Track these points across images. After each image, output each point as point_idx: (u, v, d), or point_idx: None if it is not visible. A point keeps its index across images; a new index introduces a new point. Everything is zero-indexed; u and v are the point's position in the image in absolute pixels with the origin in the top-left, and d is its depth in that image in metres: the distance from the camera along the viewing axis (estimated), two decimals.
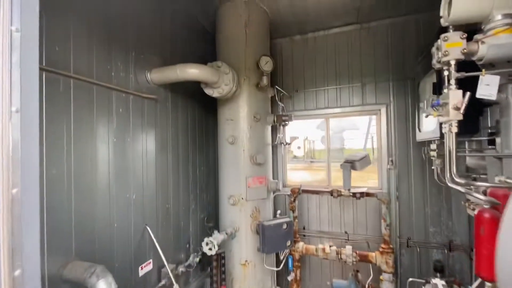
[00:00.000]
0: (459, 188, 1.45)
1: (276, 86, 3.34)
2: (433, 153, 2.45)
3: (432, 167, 3.15)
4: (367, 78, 3.60)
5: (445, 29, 1.74)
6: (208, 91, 2.75)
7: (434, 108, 1.66)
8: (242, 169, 3.13)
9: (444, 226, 3.29)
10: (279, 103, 3.45)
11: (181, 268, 2.87)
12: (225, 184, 3.25)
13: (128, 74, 2.33)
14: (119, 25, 2.24)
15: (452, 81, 1.50)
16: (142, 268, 2.44)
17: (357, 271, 3.09)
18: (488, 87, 1.43)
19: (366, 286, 3.01)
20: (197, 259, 3.12)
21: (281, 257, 3.35)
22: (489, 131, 2.15)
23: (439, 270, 3.05)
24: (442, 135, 2.17)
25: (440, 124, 2.16)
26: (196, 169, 3.36)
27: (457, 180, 1.44)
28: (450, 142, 1.53)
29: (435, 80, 2.17)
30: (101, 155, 2.05)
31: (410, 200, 3.40)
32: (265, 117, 3.28)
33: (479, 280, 1.58)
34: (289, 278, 3.43)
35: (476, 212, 1.41)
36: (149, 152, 2.57)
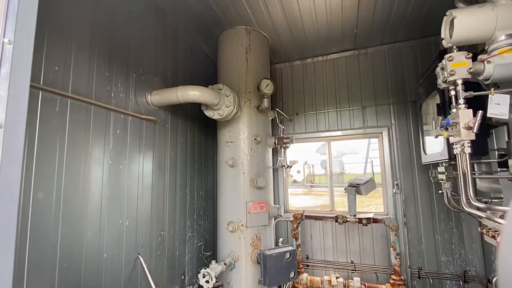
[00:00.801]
0: (478, 213, 1.34)
1: (277, 109, 3.33)
2: (441, 176, 2.36)
3: (440, 191, 3.05)
4: (367, 101, 3.62)
5: (445, 51, 1.75)
6: (208, 113, 2.71)
7: (443, 128, 1.60)
8: (242, 193, 2.99)
9: (456, 255, 3.09)
10: (279, 125, 3.41)
11: None
12: (224, 209, 3.10)
13: (128, 95, 2.30)
14: (121, 46, 2.26)
15: (461, 100, 1.46)
16: None
17: None
18: (498, 106, 1.38)
19: None
20: None
21: None
22: (500, 152, 2.08)
23: None
24: (450, 157, 2.11)
25: (449, 145, 2.10)
26: (194, 194, 3.22)
27: (476, 204, 1.34)
28: (464, 163, 1.45)
29: (438, 101, 2.15)
30: (95, 177, 1.94)
31: (419, 227, 3.23)
32: (266, 139, 3.22)
33: None
34: None
35: (498, 239, 1.29)
36: (145, 175, 2.46)
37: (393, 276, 2.81)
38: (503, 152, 2.09)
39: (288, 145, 3.28)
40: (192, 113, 3.23)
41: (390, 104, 3.51)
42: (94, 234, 1.91)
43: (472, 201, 1.36)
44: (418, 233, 3.23)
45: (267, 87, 2.94)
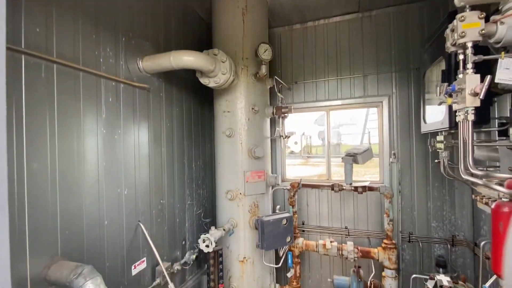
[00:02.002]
0: (475, 180, 1.34)
1: (275, 77, 3.20)
2: (439, 145, 2.35)
3: (436, 160, 3.08)
4: (369, 68, 3.48)
5: (455, 12, 1.62)
6: (204, 81, 2.60)
7: (447, 95, 1.55)
8: (240, 163, 3.00)
9: (446, 221, 3.22)
10: (278, 94, 3.32)
11: (176, 266, 2.75)
12: (222, 178, 3.13)
13: (118, 61, 2.17)
14: (108, 6, 2.08)
15: (469, 65, 1.38)
16: (135, 267, 2.32)
17: (359, 267, 3.01)
18: (507, 71, 1.31)
19: (368, 283, 2.93)
20: (194, 257, 3.01)
21: (281, 254, 3.25)
22: (501, 121, 2.05)
23: (442, 265, 2.98)
24: (451, 125, 2.08)
25: (450, 113, 2.06)
26: (192, 164, 3.23)
27: (475, 171, 1.34)
28: (466, 131, 1.42)
29: (444, 68, 2.06)
30: (89, 147, 1.90)
31: (412, 195, 3.32)
32: (264, 109, 3.15)
33: (494, 277, 1.49)
34: (289, 274, 3.34)
35: (493, 206, 1.31)
36: (141, 145, 2.43)
37: (385, 241, 2.95)
38: (504, 121, 2.07)
39: (286, 115, 3.22)
40: (187, 81, 3.11)
41: (392, 72, 3.39)
42: (93, 202, 1.92)
43: (470, 169, 1.36)
44: (411, 201, 3.32)
45: (265, 52, 2.79)
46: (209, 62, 2.40)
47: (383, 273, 2.95)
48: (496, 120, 2.14)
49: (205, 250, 2.46)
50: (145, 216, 2.45)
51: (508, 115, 2.17)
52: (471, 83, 1.36)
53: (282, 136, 3.30)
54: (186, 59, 2.31)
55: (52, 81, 1.65)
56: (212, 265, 2.57)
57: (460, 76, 1.47)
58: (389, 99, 3.39)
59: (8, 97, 1.45)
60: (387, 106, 3.40)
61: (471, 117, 1.40)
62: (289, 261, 3.26)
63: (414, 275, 2.85)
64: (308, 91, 3.75)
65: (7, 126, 1.37)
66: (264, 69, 2.83)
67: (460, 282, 2.55)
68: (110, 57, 2.09)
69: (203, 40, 3.38)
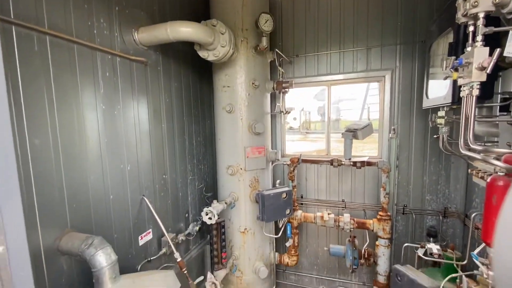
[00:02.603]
0: (474, 155, 1.37)
1: (276, 50, 3.10)
2: (440, 121, 2.36)
3: (435, 136, 3.11)
4: (373, 41, 3.36)
5: None
6: (202, 54, 2.52)
7: (453, 69, 1.52)
8: (240, 139, 3.02)
9: (440, 194, 3.33)
10: (279, 68, 3.23)
11: (181, 237, 2.88)
12: (223, 154, 3.16)
13: (113, 33, 2.08)
14: None
15: (479, 37, 1.34)
16: (141, 238, 2.43)
17: (354, 237, 3.16)
18: None
19: (363, 251, 3.10)
20: (197, 228, 3.14)
21: (280, 225, 3.39)
22: (504, 96, 2.04)
23: (433, 235, 3.14)
24: (454, 101, 2.07)
25: (454, 88, 2.04)
26: (192, 140, 3.24)
27: (474, 146, 1.36)
28: (469, 106, 1.42)
29: (451, 40, 2.00)
30: (89, 123, 1.89)
31: (409, 169, 3.39)
32: (264, 83, 3.09)
33: (483, 245, 1.58)
34: (287, 244, 3.51)
35: (489, 180, 1.35)
36: (141, 121, 2.42)
37: (380, 213, 3.07)
38: (507, 96, 2.05)
39: (287, 90, 3.17)
40: (185, 55, 3.01)
41: (397, 45, 3.28)
42: (98, 178, 1.96)
43: (470, 144, 1.38)
44: (407, 175, 3.40)
45: (266, 23, 2.67)
46: (208, 33, 2.31)
47: (377, 242, 3.11)
48: (499, 95, 2.13)
49: (208, 222, 2.56)
50: (148, 191, 2.51)
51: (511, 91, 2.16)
52: (479, 56, 1.32)
53: (282, 111, 3.27)
54: (184, 30, 2.21)
55: (46, 54, 1.60)
56: (215, 236, 2.69)
57: (469, 49, 1.43)
58: (392, 74, 3.32)
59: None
60: (389, 80, 3.34)
61: (475, 92, 1.39)
62: (288, 231, 3.41)
63: (406, 244, 3.01)
64: (309, 65, 3.65)
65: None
66: (264, 42, 2.73)
67: (449, 250, 2.71)
68: (104, 29, 2.00)
69: (199, 11, 3.21)
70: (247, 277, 3.24)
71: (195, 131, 3.30)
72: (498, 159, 1.45)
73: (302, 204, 3.90)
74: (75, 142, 1.78)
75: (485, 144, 2.31)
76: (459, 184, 3.16)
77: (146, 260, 2.47)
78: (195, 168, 3.31)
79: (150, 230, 2.54)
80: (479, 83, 1.38)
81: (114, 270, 1.68)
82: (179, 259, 2.40)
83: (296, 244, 3.50)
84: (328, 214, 3.26)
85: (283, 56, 3.25)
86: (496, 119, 1.74)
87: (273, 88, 3.11)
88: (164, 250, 2.61)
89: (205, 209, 2.56)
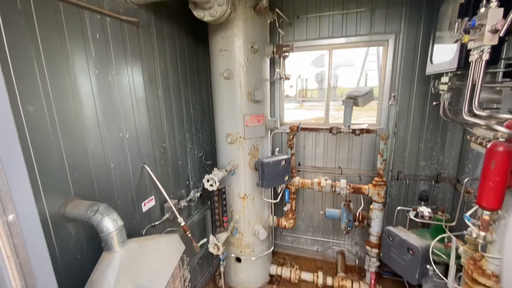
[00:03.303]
0: (478, 121, 1.37)
1: (277, 10, 2.89)
2: (443, 87, 2.32)
3: (434, 103, 3.09)
4: (378, 1, 3.16)
5: None
6: (198, 13, 2.34)
7: (464, 31, 1.45)
8: (239, 107, 2.96)
9: (434, 161, 3.42)
10: (279, 30, 3.06)
11: (183, 203, 2.97)
12: (221, 122, 3.12)
13: None
14: None
15: None
16: (145, 204, 2.49)
17: (349, 201, 3.30)
18: None
19: (357, 214, 3.26)
20: (198, 194, 3.23)
21: (278, 191, 3.50)
22: (509, 62, 1.99)
23: (424, 199, 3.30)
24: (459, 66, 2.01)
25: (461, 53, 1.97)
26: (189, 107, 3.17)
27: (479, 113, 1.35)
28: (478, 71, 1.38)
29: (463, 1, 1.88)
30: (84, 89, 1.81)
31: (406, 136, 3.43)
32: (264, 47, 2.95)
33: (475, 207, 1.66)
34: (285, 208, 3.66)
35: (489, 145, 1.37)
36: (137, 88, 2.33)
37: (376, 178, 3.17)
38: None
39: (287, 54, 3.04)
40: (178, 16, 2.80)
41: (403, 6, 3.09)
42: (97, 145, 1.93)
43: (475, 110, 1.37)
44: (404, 142, 3.46)
45: None
46: None
47: (371, 206, 3.26)
48: (503, 61, 2.07)
49: (210, 188, 2.62)
50: (149, 159, 2.52)
51: None
52: (493, 18, 1.26)
53: (282, 77, 3.18)
54: None
55: (30, 13, 1.46)
56: (216, 202, 2.78)
57: (482, 10, 1.35)
58: (395, 37, 3.19)
59: None
60: (393, 45, 3.21)
61: (485, 56, 1.34)
62: (286, 197, 3.54)
63: (398, 207, 3.17)
64: (310, 27, 3.46)
65: None
66: (264, 0, 2.54)
67: (439, 213, 2.86)
68: None
69: None
70: (247, 238, 3.42)
71: (192, 98, 3.21)
72: (500, 125, 1.45)
73: (299, 171, 3.99)
74: (70, 108, 1.72)
75: (484, 110, 2.31)
76: (453, 150, 3.23)
77: (151, 225, 2.56)
78: (194, 136, 3.29)
79: (153, 197, 2.59)
80: (490, 47, 1.32)
81: (122, 235, 1.74)
82: (182, 223, 2.50)
83: (293, 208, 3.65)
84: (326, 180, 3.35)
85: (284, 16, 3.05)
86: (501, 85, 1.71)
87: (273, 52, 2.98)
88: (167, 215, 2.70)
89: (207, 176, 2.60)
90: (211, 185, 2.59)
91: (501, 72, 2.09)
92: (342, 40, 3.38)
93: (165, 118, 2.73)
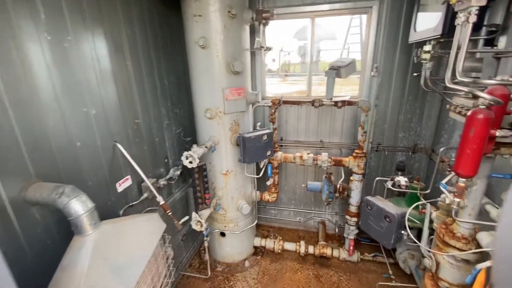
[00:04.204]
0: (461, 88, 1.34)
1: None
2: (426, 55, 2.28)
3: (415, 74, 3.08)
4: None
5: None
6: None
7: None
8: (217, 79, 2.78)
9: (412, 132, 3.49)
10: None
11: (162, 182, 2.86)
12: (199, 96, 2.95)
13: None
14: None
15: None
16: (120, 185, 2.36)
17: (330, 173, 3.34)
18: None
19: (338, 185, 3.33)
20: (178, 172, 3.12)
21: (261, 166, 3.47)
22: (490, 29, 1.95)
23: (401, 169, 3.41)
24: (444, 32, 1.96)
25: (446, 18, 1.91)
26: (163, 80, 2.94)
27: (462, 78, 1.32)
28: (464, 35, 1.32)
29: None
30: (35, 57, 1.58)
31: (387, 108, 3.45)
32: (242, 13, 2.72)
33: (452, 174, 1.70)
34: (268, 183, 3.67)
35: (469, 113, 1.36)
36: (101, 58, 2.08)
37: (356, 150, 3.20)
38: (494, 29, 1.97)
39: (268, 21, 2.83)
40: None
41: None
42: (57, 122, 1.74)
43: (459, 76, 1.34)
44: (385, 114, 3.48)
45: None
46: None
47: (351, 178, 3.33)
48: (484, 28, 2.04)
49: (189, 166, 2.51)
50: (121, 136, 2.34)
51: (499, 23, 2.07)
52: None
53: (263, 47, 2.99)
54: None
55: None
56: (197, 179, 2.70)
57: None
58: (380, 4, 3.05)
59: None
60: (376, 12, 3.09)
61: (472, 18, 1.28)
62: (269, 171, 3.52)
63: (377, 178, 3.26)
64: None
65: None
66: None
67: (415, 182, 2.98)
68: None
69: None
70: (230, 214, 3.42)
71: (166, 70, 2.97)
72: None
73: (282, 146, 3.96)
74: (19, 80, 1.50)
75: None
76: (430, 121, 3.30)
77: (128, 205, 2.46)
78: (170, 112, 3.10)
79: (129, 176, 2.46)
80: (478, 8, 1.25)
81: (93, 217, 1.63)
82: (161, 202, 2.41)
83: (276, 183, 3.67)
84: (308, 154, 3.35)
85: None
86: (485, 50, 1.68)
87: (252, 18, 2.76)
88: (145, 195, 2.60)
89: (185, 153, 2.49)
90: (191, 162, 2.49)
91: (481, 40, 2.07)
92: (326, 6, 3.20)
93: (136, 92, 2.51)
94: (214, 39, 2.62)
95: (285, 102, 3.30)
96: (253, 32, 3.28)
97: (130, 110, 2.45)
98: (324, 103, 3.05)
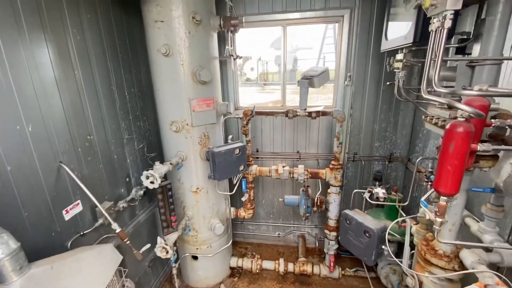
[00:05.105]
0: (438, 99, 1.24)
1: None
2: (398, 64, 2.22)
3: (388, 83, 3.06)
4: None
5: None
6: None
7: None
8: (183, 89, 2.56)
9: (388, 141, 3.46)
10: (226, 0, 2.66)
11: (122, 204, 2.55)
12: (164, 108, 2.70)
13: None
14: None
15: None
16: (67, 212, 2.03)
17: (308, 186, 3.20)
18: None
19: (315, 199, 3.18)
20: (141, 192, 2.82)
21: (234, 181, 3.25)
22: (462, 37, 1.92)
23: (378, 179, 3.34)
24: (415, 40, 1.89)
25: (417, 26, 1.85)
26: (123, 91, 2.67)
27: (439, 89, 1.21)
28: (439, 42, 1.23)
29: None
30: None
31: (361, 118, 3.39)
32: (209, 19, 2.54)
33: (432, 191, 1.59)
34: (243, 199, 3.45)
35: (448, 126, 1.25)
36: (40, 66, 1.80)
37: (333, 162, 3.09)
38: (465, 36, 1.94)
39: (237, 28, 2.68)
40: None
41: None
42: None
43: (435, 87, 1.23)
44: (360, 124, 3.42)
45: None
46: None
47: (329, 190, 3.20)
48: (455, 36, 2.02)
49: (150, 186, 2.24)
50: (68, 155, 2.03)
51: (469, 30, 2.05)
52: None
53: (232, 55, 2.82)
54: None
55: None
56: (160, 200, 2.42)
57: None
58: (351, 13, 3.02)
59: None
60: (348, 21, 3.05)
61: (448, 23, 1.18)
62: (243, 187, 3.31)
63: (355, 190, 3.15)
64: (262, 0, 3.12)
65: None
66: None
67: (393, 193, 2.90)
68: None
69: None
70: (203, 234, 3.15)
71: (127, 80, 2.71)
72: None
73: (257, 158, 3.78)
74: None
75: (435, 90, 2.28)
76: (405, 130, 3.28)
77: (79, 234, 2.13)
78: (132, 125, 2.82)
79: (79, 201, 2.14)
80: (453, 12, 1.16)
81: (18, 260, 1.33)
82: (118, 230, 2.11)
83: (252, 198, 3.45)
84: (283, 167, 3.18)
85: None
86: (461, 58, 1.61)
87: (220, 25, 2.60)
88: (100, 220, 2.28)
89: (145, 173, 2.21)
90: (152, 182, 2.22)
91: (452, 48, 2.04)
92: (297, 15, 3.12)
93: (88, 105, 2.22)
94: (178, 47, 2.41)
95: (258, 113, 3.13)
96: (224, 40, 3.12)
97: (81, 125, 2.15)
98: (298, 114, 2.92)
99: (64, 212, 2.01)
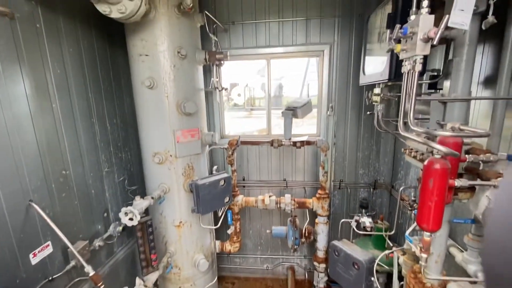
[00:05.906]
0: (414, 137, 1.28)
1: (206, 12, 2.59)
2: (376, 98, 2.32)
3: (368, 112, 3.18)
4: (312, 11, 3.14)
5: None
6: (102, 8, 1.87)
7: (396, 41, 1.36)
8: (167, 120, 2.53)
9: (371, 168, 3.52)
10: (211, 36, 2.76)
11: (98, 243, 2.38)
12: (147, 139, 2.64)
13: None
14: None
15: (425, 3, 1.17)
16: (35, 255, 1.86)
17: (295, 216, 3.14)
18: (462, 13, 1.16)
19: (303, 229, 3.11)
20: (120, 228, 2.64)
21: (220, 214, 3.14)
22: (432, 74, 2.06)
23: (365, 206, 3.34)
24: (390, 77, 2.00)
25: (391, 64, 1.96)
26: (105, 122, 2.61)
27: (415, 128, 1.26)
28: (411, 83, 1.29)
29: (390, 11, 1.87)
30: None
31: (345, 146, 3.47)
32: (194, 53, 2.60)
33: (414, 225, 1.59)
34: (229, 231, 3.32)
35: (426, 162, 1.28)
36: (14, 100, 1.73)
37: (319, 191, 3.08)
38: (436, 73, 2.08)
39: (222, 62, 2.75)
40: (83, 9, 2.28)
41: (335, 17, 3.13)
42: None
43: (411, 126, 1.28)
44: (343, 152, 3.48)
45: None
46: None
47: (316, 220, 3.15)
48: (426, 72, 2.16)
49: (129, 224, 2.11)
50: (40, 193, 1.90)
51: (438, 68, 2.21)
52: (425, 25, 1.17)
53: (217, 88, 2.87)
54: None
55: None
56: (140, 238, 2.27)
57: (412, 17, 1.28)
58: (330, 48, 3.20)
59: None
60: (328, 56, 3.22)
61: (418, 67, 1.26)
62: (229, 219, 3.20)
63: (342, 220, 3.12)
64: (247, 34, 3.26)
65: None
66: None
67: (379, 222, 2.89)
68: None
69: None
70: (186, 271, 2.95)
71: (109, 111, 2.66)
72: (433, 140, 1.39)
73: (244, 186, 3.71)
74: None
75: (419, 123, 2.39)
76: (387, 157, 3.36)
77: (47, 279, 1.93)
78: (113, 157, 2.72)
79: (49, 242, 1.97)
80: (422, 57, 1.24)
81: None
82: (91, 274, 1.94)
83: (238, 230, 3.33)
84: (270, 196, 3.13)
85: (216, 21, 2.77)
86: (430, 97, 1.71)
87: (205, 59, 2.65)
88: (73, 263, 2.10)
89: (123, 209, 2.09)
90: (131, 219, 2.09)
91: (424, 84, 2.18)
92: (280, 49, 3.27)
93: (65, 138, 2.13)
94: (163, 80, 2.42)
95: (244, 143, 3.14)
96: (209, 71, 3.18)
97: (55, 159, 2.05)
98: (283, 143, 2.94)
99: (31, 255, 1.84)
